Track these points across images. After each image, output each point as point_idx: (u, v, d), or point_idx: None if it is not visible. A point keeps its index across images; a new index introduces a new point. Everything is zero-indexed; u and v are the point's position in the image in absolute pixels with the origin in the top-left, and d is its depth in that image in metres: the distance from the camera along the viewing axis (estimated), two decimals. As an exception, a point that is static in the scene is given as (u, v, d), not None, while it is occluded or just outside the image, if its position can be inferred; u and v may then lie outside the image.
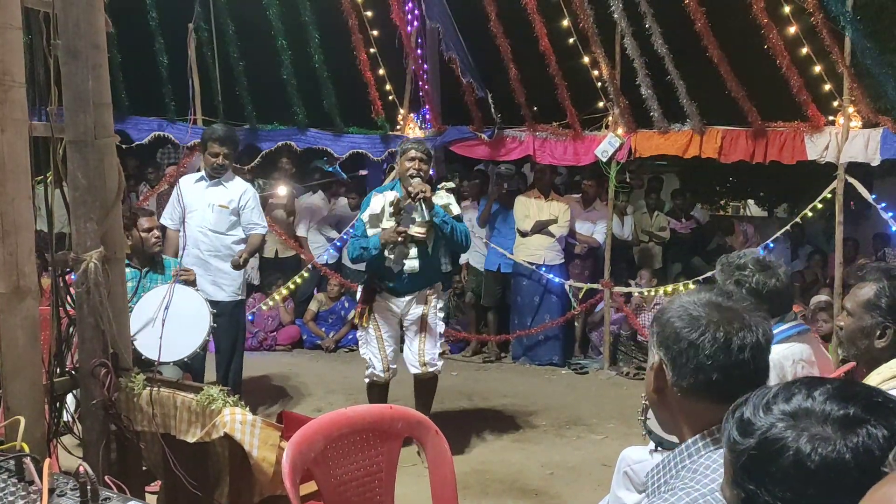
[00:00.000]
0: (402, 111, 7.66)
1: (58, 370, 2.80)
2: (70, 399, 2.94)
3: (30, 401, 2.55)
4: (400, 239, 4.61)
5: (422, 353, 4.85)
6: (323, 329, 7.95)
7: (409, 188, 4.60)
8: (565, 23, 6.81)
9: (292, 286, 7.86)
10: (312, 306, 7.99)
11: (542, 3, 6.79)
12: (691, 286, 6.96)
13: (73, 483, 2.04)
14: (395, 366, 4.92)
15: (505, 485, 4.64)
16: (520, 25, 6.92)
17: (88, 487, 1.93)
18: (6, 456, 2.11)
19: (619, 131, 7.04)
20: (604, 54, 6.78)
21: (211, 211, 5.39)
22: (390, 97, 7.62)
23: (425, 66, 7.89)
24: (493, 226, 7.76)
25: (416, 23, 7.58)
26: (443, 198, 4.78)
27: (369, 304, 4.87)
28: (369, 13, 7.29)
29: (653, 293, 7.39)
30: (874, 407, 1.09)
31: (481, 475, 4.74)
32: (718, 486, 1.42)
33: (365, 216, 4.75)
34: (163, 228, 5.16)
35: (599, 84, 7.03)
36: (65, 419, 2.90)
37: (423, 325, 4.86)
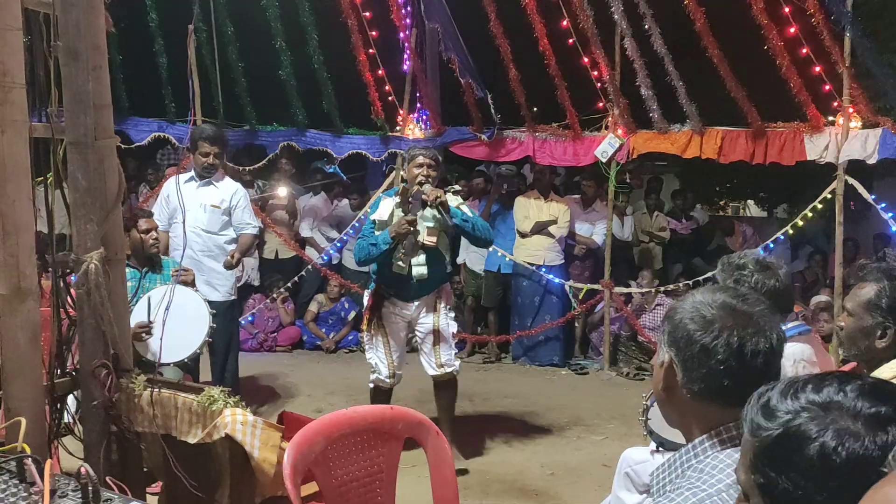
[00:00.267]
0: (401, 112, 7.66)
1: (58, 371, 2.80)
2: (71, 400, 2.94)
3: (31, 402, 2.55)
4: (411, 229, 4.52)
5: (438, 356, 4.79)
6: (323, 330, 7.95)
7: (423, 196, 4.54)
8: (565, 23, 6.80)
9: (292, 287, 7.87)
10: (312, 307, 7.99)
11: (541, 4, 6.79)
12: (691, 286, 6.96)
13: (75, 484, 2.04)
14: (400, 372, 4.86)
15: (505, 485, 4.64)
16: (519, 26, 6.92)
17: (90, 488, 1.93)
18: (7, 457, 2.11)
19: (619, 132, 7.04)
20: (603, 55, 6.79)
21: (203, 211, 5.39)
22: (390, 98, 7.62)
23: (425, 66, 7.89)
24: (492, 226, 7.75)
25: (415, 23, 7.58)
26: (452, 202, 4.71)
27: (378, 312, 4.82)
28: (368, 14, 7.29)
29: (653, 293, 7.39)
30: None
31: (482, 476, 4.74)
32: (726, 486, 1.42)
33: (374, 217, 4.70)
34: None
35: (599, 85, 7.03)
36: (66, 420, 2.90)
37: (436, 334, 4.80)
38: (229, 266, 5.39)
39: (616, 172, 7.21)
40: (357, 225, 7.95)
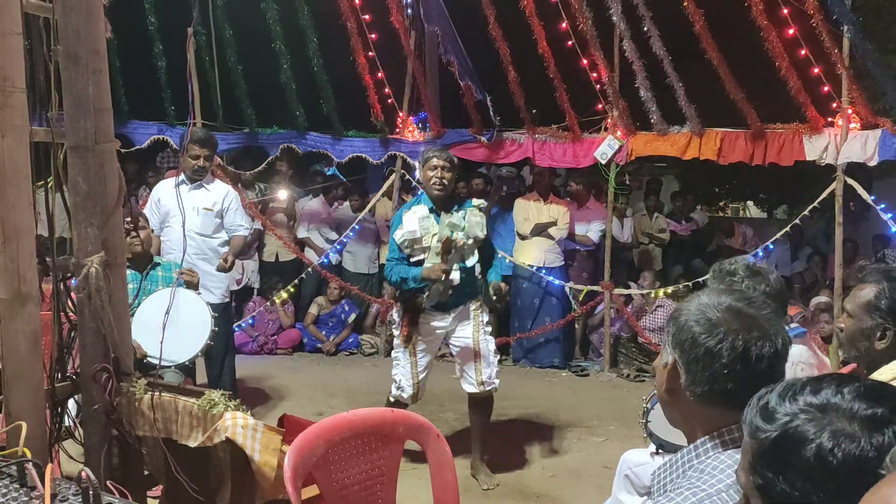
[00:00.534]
0: (401, 114, 7.67)
1: (59, 375, 2.80)
2: (71, 404, 2.94)
3: (31, 406, 2.55)
4: (443, 278, 4.38)
5: (479, 373, 4.64)
6: (323, 332, 7.95)
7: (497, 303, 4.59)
8: (564, 25, 6.81)
9: (292, 289, 7.87)
10: (313, 310, 7.99)
11: (540, 6, 6.80)
12: (692, 287, 6.97)
13: (76, 488, 2.04)
14: (423, 393, 4.72)
15: (506, 487, 4.64)
16: (518, 28, 6.93)
17: (90, 492, 1.93)
18: (8, 462, 2.11)
19: (618, 133, 7.04)
20: (602, 57, 6.80)
21: (196, 214, 5.39)
22: (389, 100, 7.63)
23: (424, 69, 7.89)
24: (492, 228, 7.76)
25: (414, 26, 7.59)
26: (476, 215, 4.54)
27: (414, 326, 4.62)
28: (367, 16, 7.30)
29: (653, 295, 7.40)
30: None
31: (482, 478, 4.74)
32: (726, 486, 1.43)
33: (398, 236, 4.51)
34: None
35: (598, 86, 7.04)
36: (66, 424, 2.90)
37: (475, 348, 4.65)
38: (222, 269, 5.41)
39: (615, 174, 7.22)
40: (357, 228, 7.96)
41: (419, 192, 4.78)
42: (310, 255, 8.12)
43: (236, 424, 2.65)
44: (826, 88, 6.45)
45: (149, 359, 3.76)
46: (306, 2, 7.19)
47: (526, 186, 8.46)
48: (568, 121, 7.19)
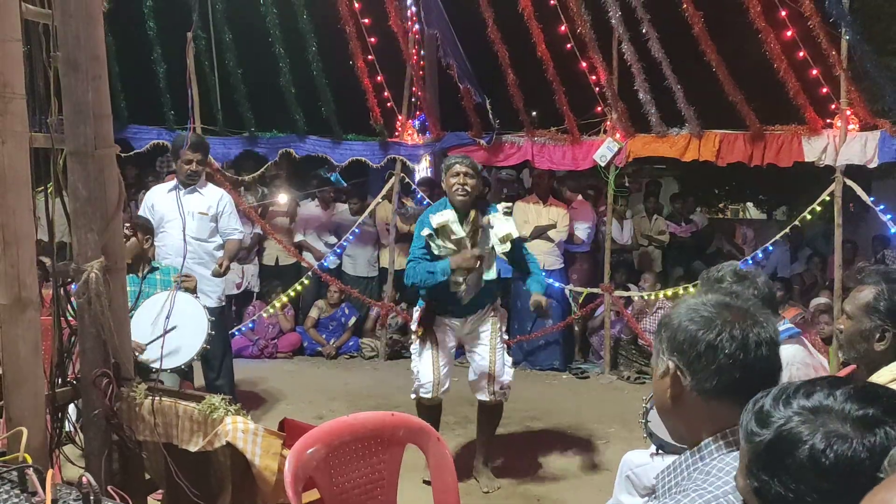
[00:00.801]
0: (400, 117, 7.68)
1: (59, 380, 2.81)
2: (71, 409, 2.94)
3: (32, 411, 2.55)
4: (476, 265, 4.31)
5: (492, 382, 4.60)
6: (324, 336, 7.95)
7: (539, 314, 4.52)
8: (563, 28, 6.83)
9: (293, 293, 7.87)
10: (313, 313, 8.00)
11: (539, 9, 6.81)
12: (692, 290, 6.97)
13: (76, 494, 2.04)
14: (446, 386, 4.60)
15: (507, 490, 4.64)
16: (517, 31, 6.95)
17: (91, 498, 1.93)
18: (9, 467, 2.11)
19: (617, 136, 7.05)
20: (601, 59, 6.81)
21: (192, 219, 5.40)
22: (388, 104, 7.64)
23: (423, 72, 7.91)
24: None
25: (414, 29, 7.61)
26: (502, 221, 4.48)
27: (429, 325, 4.55)
28: (367, 20, 7.31)
29: (653, 297, 7.40)
30: (895, 409, 1.10)
31: (483, 481, 4.74)
32: (732, 488, 1.43)
33: (426, 232, 4.40)
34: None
35: (597, 89, 7.05)
36: (67, 429, 2.90)
37: (492, 353, 4.60)
38: (217, 274, 5.43)
39: (615, 176, 7.23)
40: (357, 231, 7.97)
41: (444, 199, 4.60)
42: (308, 258, 8.12)
43: (237, 429, 2.66)
44: (825, 90, 6.46)
45: (144, 362, 3.76)
46: (305, 6, 7.20)
47: (525, 189, 8.47)
48: (567, 123, 7.20)
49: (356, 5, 7.23)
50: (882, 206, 6.71)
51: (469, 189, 4.41)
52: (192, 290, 4.70)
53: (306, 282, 7.88)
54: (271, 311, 7.80)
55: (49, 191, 2.79)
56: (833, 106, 6.51)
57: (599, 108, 7.17)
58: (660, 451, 3.26)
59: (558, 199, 7.80)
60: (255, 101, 7.64)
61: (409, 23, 7.57)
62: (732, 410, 1.53)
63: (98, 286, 2.65)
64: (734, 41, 7.00)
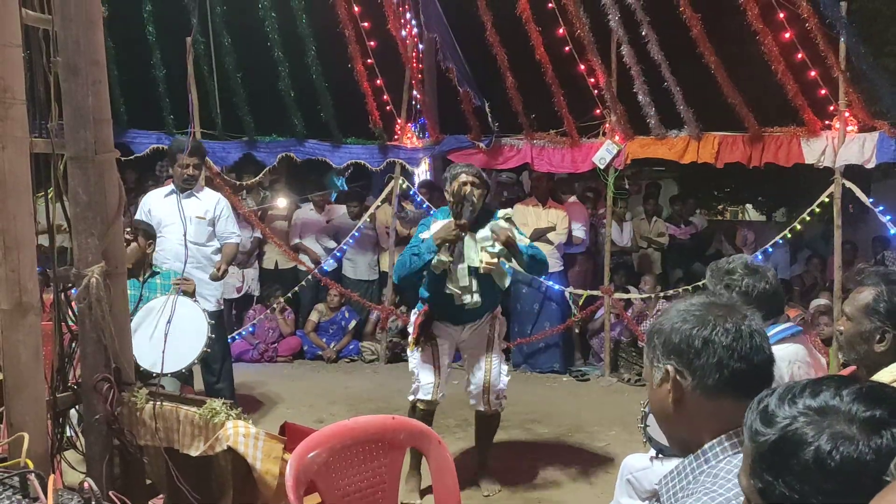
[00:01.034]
0: (399, 121, 7.68)
1: (60, 385, 2.81)
2: (72, 414, 2.94)
3: (33, 417, 2.55)
4: (462, 234, 4.18)
5: (487, 391, 4.51)
6: (324, 339, 7.95)
7: (494, 236, 4.21)
8: (561, 31, 6.84)
9: (292, 297, 7.87)
10: (313, 317, 8.00)
11: (538, 12, 6.82)
12: (692, 291, 6.97)
13: (78, 499, 2.05)
14: (444, 391, 4.52)
15: (508, 493, 4.64)
16: (516, 34, 6.96)
17: (93, 503, 1.94)
18: (10, 473, 2.11)
19: (616, 138, 7.06)
20: (600, 62, 6.82)
21: (189, 223, 5.41)
22: (388, 107, 7.65)
23: (422, 75, 7.92)
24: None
25: (413, 32, 7.62)
26: (501, 227, 4.34)
27: (426, 331, 4.46)
28: (366, 24, 7.32)
29: (653, 299, 7.40)
30: None
31: (484, 484, 4.74)
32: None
33: (425, 235, 4.32)
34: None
35: (596, 92, 7.06)
36: (68, 434, 2.90)
37: (488, 364, 4.51)
38: (215, 278, 5.47)
39: (614, 178, 7.24)
40: (357, 235, 7.97)
41: (444, 207, 4.55)
42: (304, 261, 8.11)
43: (238, 433, 2.66)
44: (823, 92, 6.47)
45: (144, 368, 3.76)
46: (304, 10, 7.21)
47: (525, 192, 8.47)
48: (566, 126, 7.20)
49: (355, 9, 7.24)
50: (881, 208, 6.72)
51: (475, 200, 4.29)
52: (191, 294, 4.71)
53: (305, 284, 7.87)
54: (275, 310, 7.80)
55: (49, 196, 2.80)
56: (831, 107, 6.52)
57: (598, 111, 7.17)
58: (660, 455, 3.25)
59: (557, 201, 7.81)
60: (255, 105, 7.65)
61: (408, 26, 7.58)
62: (736, 407, 1.52)
63: (99, 291, 2.65)
64: (733, 43, 7.02)
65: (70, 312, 2.81)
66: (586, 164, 7.24)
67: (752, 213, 19.28)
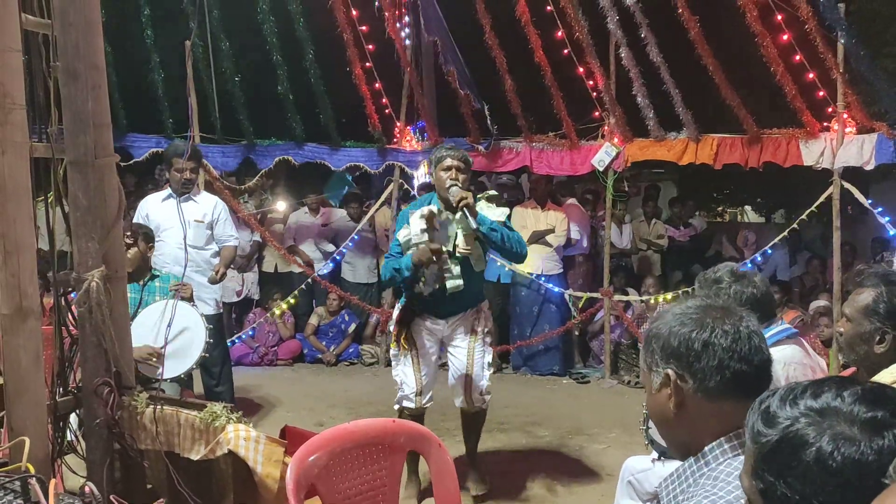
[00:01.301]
0: (398, 124, 7.69)
1: (61, 390, 2.81)
2: (73, 418, 2.94)
3: (34, 421, 2.55)
4: (434, 258, 4.10)
5: (469, 388, 4.39)
6: (324, 343, 7.95)
7: (450, 198, 4.09)
8: (560, 34, 6.84)
9: (292, 300, 7.87)
10: (313, 320, 8.00)
11: (536, 15, 6.83)
12: (692, 293, 6.98)
13: (79, 503, 2.05)
14: (430, 393, 4.44)
15: (508, 496, 4.63)
16: (515, 37, 6.96)
17: (94, 507, 1.94)
18: (12, 477, 2.12)
19: (615, 140, 7.07)
20: (599, 64, 6.82)
21: (188, 227, 5.41)
22: (387, 110, 7.66)
23: (421, 78, 7.92)
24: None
25: (412, 36, 7.63)
26: (483, 210, 4.26)
27: (407, 326, 4.37)
28: (365, 27, 7.33)
29: (653, 301, 7.40)
30: None
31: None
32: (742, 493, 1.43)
33: (401, 236, 4.26)
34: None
35: (595, 94, 7.06)
36: (69, 439, 2.90)
37: (469, 356, 4.38)
38: (213, 281, 5.49)
39: (613, 181, 7.24)
40: (356, 238, 7.97)
41: (431, 194, 4.46)
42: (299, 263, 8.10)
43: (239, 437, 2.66)
44: (821, 93, 6.47)
45: (144, 373, 3.76)
46: (303, 13, 7.22)
47: (524, 194, 8.48)
48: (565, 128, 7.21)
49: (353, 13, 7.24)
50: (880, 209, 6.72)
51: (460, 184, 4.18)
52: (189, 299, 4.71)
53: (304, 288, 7.87)
54: (272, 317, 7.80)
55: (49, 200, 2.80)
56: (830, 109, 6.53)
57: (597, 113, 7.17)
58: (661, 457, 3.26)
59: (556, 203, 7.82)
60: (254, 108, 7.66)
61: (407, 29, 7.59)
62: (738, 408, 1.52)
63: (99, 295, 2.65)
64: (731, 45, 7.02)
65: (70, 316, 2.81)
66: (585, 166, 7.25)
67: (751, 215, 19.28)
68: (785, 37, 6.30)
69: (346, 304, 7.95)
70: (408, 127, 7.72)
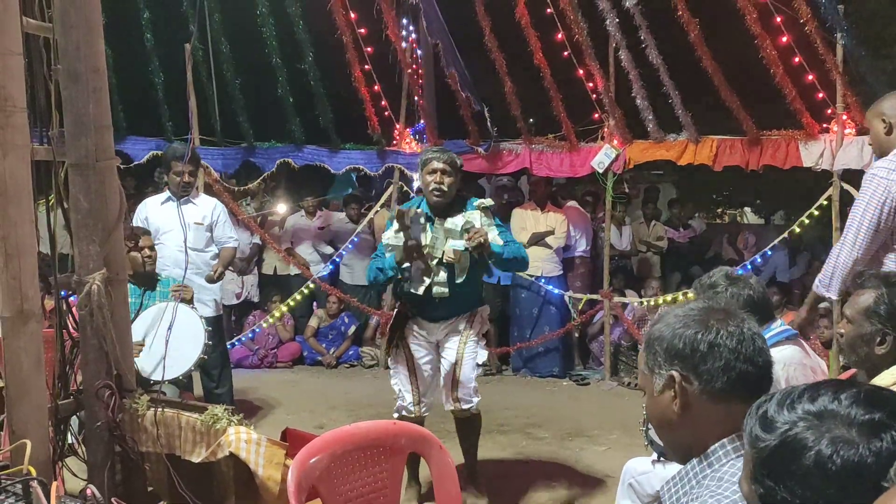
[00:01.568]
0: (398, 126, 7.69)
1: (62, 392, 2.81)
2: (74, 421, 2.94)
3: (35, 424, 2.55)
4: (415, 254, 4.03)
5: (454, 388, 4.26)
6: (323, 345, 7.95)
7: (467, 241, 3.98)
8: (559, 36, 6.85)
9: (292, 303, 7.87)
10: (312, 322, 8.00)
11: (536, 17, 6.84)
12: (691, 295, 6.98)
13: (81, 505, 2.05)
14: (428, 400, 4.36)
15: (508, 498, 4.63)
16: (515, 39, 6.97)
17: (96, 510, 1.94)
18: (13, 480, 2.12)
19: (615, 142, 7.07)
20: (598, 66, 6.83)
21: (188, 230, 5.43)
22: (386, 113, 7.66)
23: (421, 81, 7.93)
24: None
25: (411, 38, 7.63)
26: (478, 220, 4.15)
27: (399, 330, 4.27)
28: (363, 30, 7.34)
29: (652, 303, 7.40)
30: None
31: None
32: None
33: (386, 236, 4.22)
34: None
35: (594, 96, 7.07)
36: (69, 441, 2.90)
37: (459, 353, 4.24)
38: (211, 280, 5.51)
39: (613, 183, 7.25)
40: (356, 240, 7.97)
41: (421, 197, 4.41)
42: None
43: (240, 439, 2.66)
44: (821, 95, 6.48)
45: (142, 374, 3.76)
46: (302, 16, 7.23)
47: (524, 196, 8.49)
48: (564, 130, 7.21)
49: (353, 15, 7.25)
50: (880, 210, 6.71)
51: (445, 189, 4.11)
52: (189, 301, 4.71)
53: (306, 291, 7.87)
54: (272, 320, 7.80)
55: (50, 203, 2.80)
56: (829, 111, 6.53)
57: (597, 115, 7.18)
58: (661, 459, 3.26)
59: (556, 205, 7.82)
60: (254, 111, 7.66)
61: (406, 31, 7.60)
62: (743, 409, 1.51)
63: (100, 298, 2.65)
64: (730, 47, 7.02)
65: (71, 319, 2.81)
66: (585, 168, 7.25)
67: (750, 217, 19.27)
68: (784, 39, 6.31)
69: (345, 307, 7.95)
70: (407, 129, 7.73)
